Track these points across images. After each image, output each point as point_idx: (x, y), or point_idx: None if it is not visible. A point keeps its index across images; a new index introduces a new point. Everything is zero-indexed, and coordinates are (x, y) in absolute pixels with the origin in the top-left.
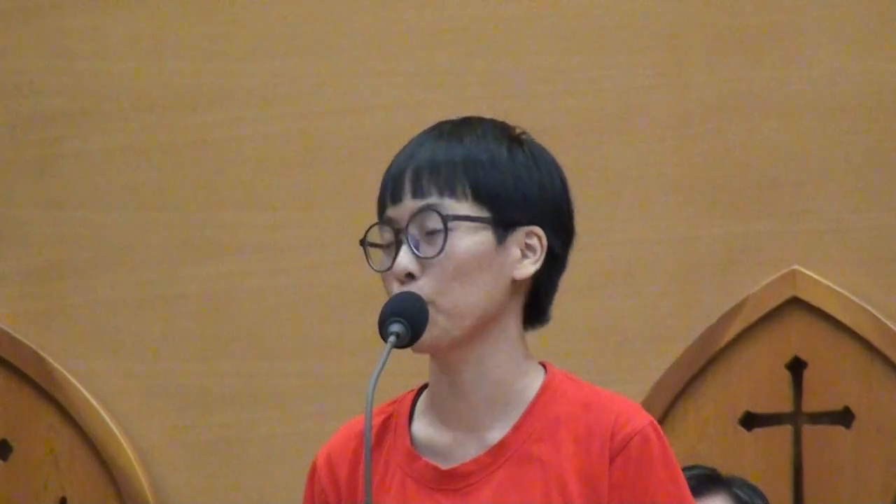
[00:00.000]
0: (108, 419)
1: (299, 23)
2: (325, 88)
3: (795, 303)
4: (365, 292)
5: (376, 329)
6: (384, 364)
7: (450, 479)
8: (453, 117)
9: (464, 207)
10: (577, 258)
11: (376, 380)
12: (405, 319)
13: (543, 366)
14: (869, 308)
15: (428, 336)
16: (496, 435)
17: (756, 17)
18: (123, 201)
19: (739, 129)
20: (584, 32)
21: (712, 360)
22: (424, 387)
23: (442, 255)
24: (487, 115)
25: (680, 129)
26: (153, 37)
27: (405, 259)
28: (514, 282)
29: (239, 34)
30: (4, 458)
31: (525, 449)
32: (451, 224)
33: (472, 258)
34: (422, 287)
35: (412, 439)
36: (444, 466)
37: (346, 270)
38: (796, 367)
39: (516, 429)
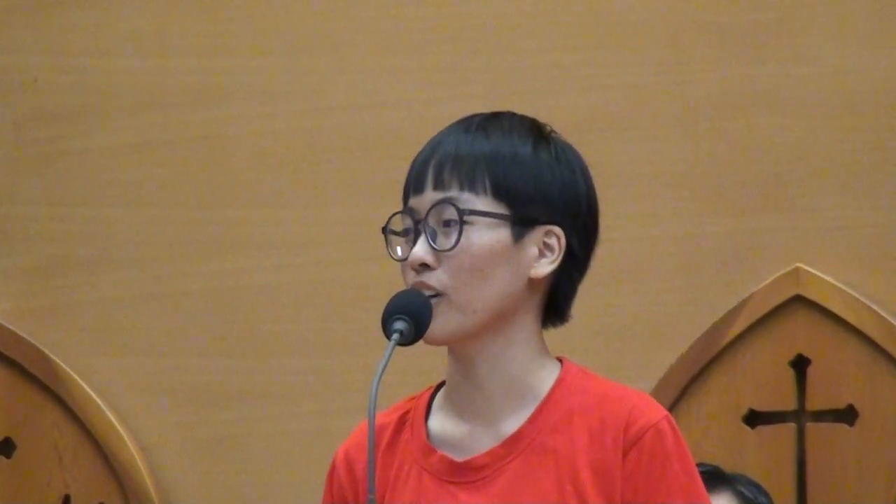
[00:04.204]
0: (111, 416)
1: (303, 19)
2: (330, 85)
3: (799, 300)
4: (369, 289)
5: (380, 326)
6: (387, 362)
7: (464, 472)
8: (484, 112)
9: (482, 202)
10: None
11: (380, 377)
12: (408, 317)
13: (560, 361)
14: (873, 306)
15: (441, 329)
16: (511, 427)
17: (759, 13)
18: (127, 198)
19: (743, 126)
20: (587, 29)
21: (716, 358)
22: (442, 384)
23: (457, 249)
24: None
25: (683, 126)
26: (156, 34)
27: (421, 249)
28: (532, 280)
29: (242, 31)
30: (8, 456)
31: (539, 441)
32: (467, 218)
33: (488, 254)
34: (437, 278)
35: (428, 434)
36: (458, 459)
37: (351, 267)
38: (800, 364)
39: (531, 421)
